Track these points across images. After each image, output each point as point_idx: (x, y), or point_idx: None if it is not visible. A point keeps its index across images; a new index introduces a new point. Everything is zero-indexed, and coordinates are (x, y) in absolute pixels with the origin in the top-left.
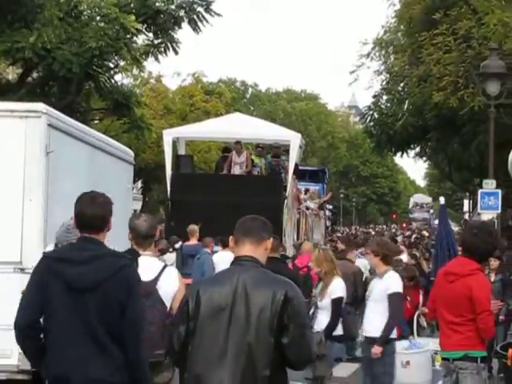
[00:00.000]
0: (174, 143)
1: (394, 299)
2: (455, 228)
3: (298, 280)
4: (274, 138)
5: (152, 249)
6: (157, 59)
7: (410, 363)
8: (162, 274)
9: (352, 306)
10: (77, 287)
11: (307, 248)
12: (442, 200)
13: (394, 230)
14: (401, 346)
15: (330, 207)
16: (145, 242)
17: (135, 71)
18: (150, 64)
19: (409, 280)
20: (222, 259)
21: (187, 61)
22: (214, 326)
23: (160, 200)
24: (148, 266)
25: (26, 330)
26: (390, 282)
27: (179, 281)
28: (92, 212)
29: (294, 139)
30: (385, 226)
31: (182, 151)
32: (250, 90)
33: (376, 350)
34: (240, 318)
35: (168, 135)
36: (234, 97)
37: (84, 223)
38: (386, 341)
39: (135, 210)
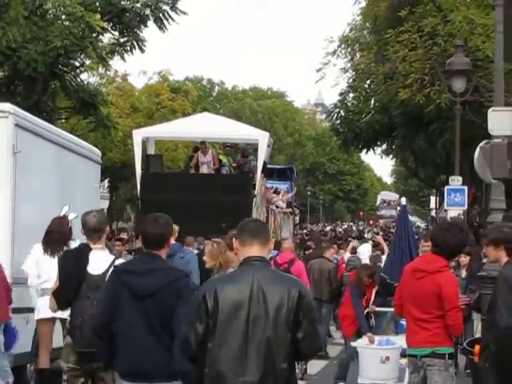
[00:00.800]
0: (144, 143)
1: None
2: (421, 224)
3: None
4: (242, 137)
5: (102, 242)
6: (123, 58)
7: (389, 359)
8: (111, 267)
9: (330, 303)
10: (140, 295)
11: (288, 246)
12: (403, 201)
13: (361, 227)
14: (376, 341)
15: (295, 203)
16: (94, 235)
17: (101, 70)
18: (115, 63)
19: (368, 277)
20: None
21: (153, 59)
22: (233, 323)
23: (127, 198)
24: (98, 259)
25: (100, 331)
26: None
27: None
28: (155, 232)
29: (261, 138)
30: (352, 223)
31: (151, 151)
32: (217, 88)
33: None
34: (258, 314)
35: (137, 135)
36: (201, 95)
37: (147, 241)
38: None
39: (102, 209)
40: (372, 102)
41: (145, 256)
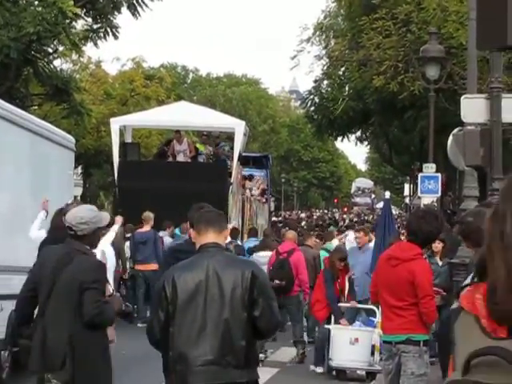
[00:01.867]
0: (121, 131)
1: None
2: (395, 212)
3: None
4: (219, 126)
5: None
6: (96, 44)
7: (358, 340)
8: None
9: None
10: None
11: (290, 236)
12: (387, 194)
13: (336, 215)
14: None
15: (270, 191)
16: None
17: (74, 56)
18: (89, 49)
19: (340, 261)
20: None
21: (127, 46)
22: (192, 307)
23: (100, 185)
24: None
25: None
26: None
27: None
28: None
29: (238, 127)
30: (326, 211)
31: (128, 139)
32: (191, 74)
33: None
34: (215, 297)
35: (115, 123)
36: (175, 82)
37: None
38: None
39: (75, 197)
40: (346, 88)
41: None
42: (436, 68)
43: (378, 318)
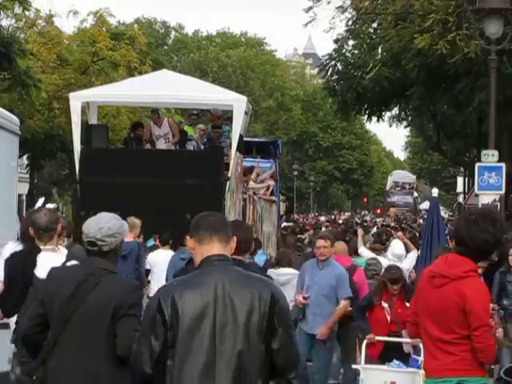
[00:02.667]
0: (84, 110)
1: None
2: (445, 214)
3: None
4: (213, 102)
5: (53, 243)
6: None
7: None
8: None
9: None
10: None
11: (341, 248)
12: (434, 192)
13: (367, 218)
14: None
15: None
16: (44, 235)
17: (18, 10)
18: (37, 0)
19: (392, 283)
20: (164, 258)
21: None
22: (197, 335)
23: (53, 180)
24: (48, 261)
25: None
26: None
27: None
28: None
29: (238, 103)
30: (353, 213)
31: (93, 120)
32: (173, 33)
33: None
34: (226, 324)
35: (75, 99)
36: (151, 43)
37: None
38: None
39: (20, 195)
40: (379, 51)
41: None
42: (498, 23)
43: (422, 357)
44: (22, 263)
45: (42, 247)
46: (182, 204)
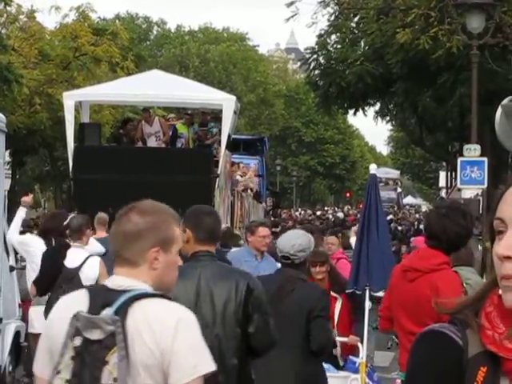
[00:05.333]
0: (77, 108)
1: None
2: (426, 208)
3: None
4: (203, 102)
5: (82, 242)
6: None
7: None
8: (84, 262)
9: None
10: None
11: (335, 241)
12: (373, 168)
13: (350, 212)
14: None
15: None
16: (74, 235)
17: None
18: None
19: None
20: None
21: None
22: None
23: (35, 176)
24: (75, 255)
25: None
26: None
27: (100, 267)
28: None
29: (227, 103)
30: (335, 208)
31: (86, 118)
32: (156, 29)
33: None
34: (206, 311)
35: (69, 98)
36: (133, 38)
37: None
38: None
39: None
40: (361, 45)
41: None
42: (480, 18)
43: (361, 357)
44: (53, 255)
45: (71, 244)
46: (172, 200)
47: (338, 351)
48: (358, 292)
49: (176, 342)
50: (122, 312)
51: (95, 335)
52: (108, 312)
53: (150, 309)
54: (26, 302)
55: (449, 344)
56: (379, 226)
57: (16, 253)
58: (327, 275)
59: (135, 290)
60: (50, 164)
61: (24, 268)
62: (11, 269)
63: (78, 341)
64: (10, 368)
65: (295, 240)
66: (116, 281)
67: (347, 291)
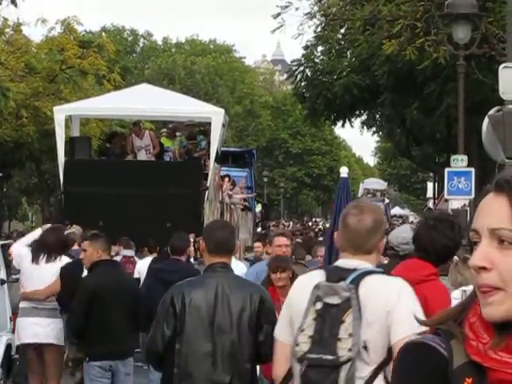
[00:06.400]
0: (67, 122)
1: None
2: (415, 219)
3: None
4: (192, 115)
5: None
6: (14, 2)
7: None
8: None
9: None
10: None
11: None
12: (343, 171)
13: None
14: None
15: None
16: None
17: None
18: (4, 8)
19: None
20: None
21: (56, 4)
22: (200, 325)
23: (22, 189)
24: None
25: None
26: None
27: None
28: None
29: (215, 116)
30: (325, 219)
31: (76, 132)
32: (142, 41)
33: None
34: (223, 318)
35: (60, 113)
36: (119, 50)
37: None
38: None
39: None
40: (348, 57)
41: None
42: (466, 28)
43: None
44: (73, 270)
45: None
46: (162, 213)
47: None
48: None
49: (399, 304)
50: (355, 283)
51: (334, 300)
52: (343, 283)
53: (377, 280)
54: (14, 314)
55: (433, 355)
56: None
57: (7, 266)
58: (289, 283)
59: (363, 269)
60: (37, 177)
61: (16, 281)
62: (2, 282)
63: (319, 305)
64: (2, 381)
65: (401, 233)
66: (346, 262)
67: None
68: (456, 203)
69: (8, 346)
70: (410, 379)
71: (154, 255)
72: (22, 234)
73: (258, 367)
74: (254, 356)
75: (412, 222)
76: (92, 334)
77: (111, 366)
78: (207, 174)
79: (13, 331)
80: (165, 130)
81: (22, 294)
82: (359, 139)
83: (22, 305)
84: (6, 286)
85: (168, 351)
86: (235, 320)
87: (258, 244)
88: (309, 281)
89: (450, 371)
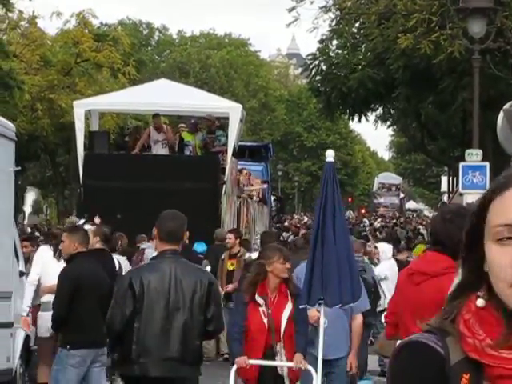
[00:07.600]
0: (87, 117)
1: None
2: (429, 213)
3: None
4: (210, 110)
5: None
6: None
7: None
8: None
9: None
10: None
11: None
12: (329, 155)
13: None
14: None
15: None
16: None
17: (0, 11)
18: (19, 2)
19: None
20: None
21: None
22: (157, 306)
23: (37, 182)
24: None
25: None
26: None
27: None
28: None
29: (233, 111)
30: None
31: (95, 126)
32: (157, 34)
33: None
34: (177, 300)
35: (79, 107)
36: (134, 44)
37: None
38: None
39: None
40: (362, 51)
41: None
42: (482, 22)
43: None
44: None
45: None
46: (180, 207)
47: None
48: (310, 308)
49: None
50: None
51: None
52: None
53: None
54: (34, 307)
55: (430, 353)
56: (336, 227)
57: (26, 260)
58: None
59: None
60: (51, 170)
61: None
62: (21, 274)
63: None
64: (21, 371)
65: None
66: None
67: (300, 307)
68: (470, 197)
69: (26, 338)
70: (408, 378)
71: (151, 243)
72: (37, 229)
73: (233, 368)
74: (203, 333)
75: (425, 215)
76: (72, 323)
77: (88, 355)
78: (225, 169)
79: (33, 323)
80: (183, 124)
81: (42, 289)
82: (374, 133)
83: (44, 299)
84: (24, 278)
85: (127, 329)
86: (188, 301)
87: (230, 235)
88: None
89: (448, 368)
